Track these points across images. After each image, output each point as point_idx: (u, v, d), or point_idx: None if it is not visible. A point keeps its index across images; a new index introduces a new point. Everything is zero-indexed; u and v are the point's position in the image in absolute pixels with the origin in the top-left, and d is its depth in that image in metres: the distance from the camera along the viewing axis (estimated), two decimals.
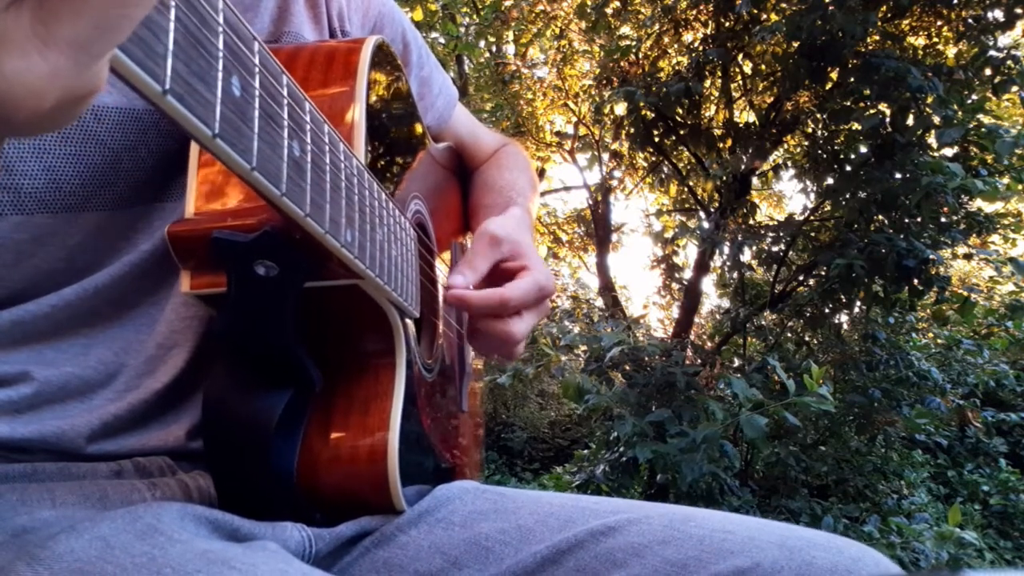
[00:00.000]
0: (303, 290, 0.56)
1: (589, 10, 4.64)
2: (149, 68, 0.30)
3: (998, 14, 3.54)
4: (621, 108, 4.75)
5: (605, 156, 5.96)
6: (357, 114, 0.62)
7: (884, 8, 3.69)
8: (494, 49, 6.38)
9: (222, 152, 0.37)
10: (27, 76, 0.25)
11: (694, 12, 4.33)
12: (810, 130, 4.19)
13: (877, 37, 3.70)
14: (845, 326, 4.48)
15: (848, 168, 3.85)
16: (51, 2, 0.25)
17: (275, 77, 0.43)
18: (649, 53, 4.68)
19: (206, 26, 0.35)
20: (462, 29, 5.77)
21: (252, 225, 0.53)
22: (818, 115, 3.98)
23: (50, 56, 0.25)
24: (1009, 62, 3.48)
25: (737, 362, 4.57)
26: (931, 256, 3.46)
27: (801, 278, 4.36)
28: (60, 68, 0.26)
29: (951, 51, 4.00)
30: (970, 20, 3.67)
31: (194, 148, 0.58)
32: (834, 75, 3.72)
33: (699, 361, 4.27)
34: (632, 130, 4.47)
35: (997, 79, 3.53)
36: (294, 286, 0.55)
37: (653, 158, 5.05)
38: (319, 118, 0.48)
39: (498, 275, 0.82)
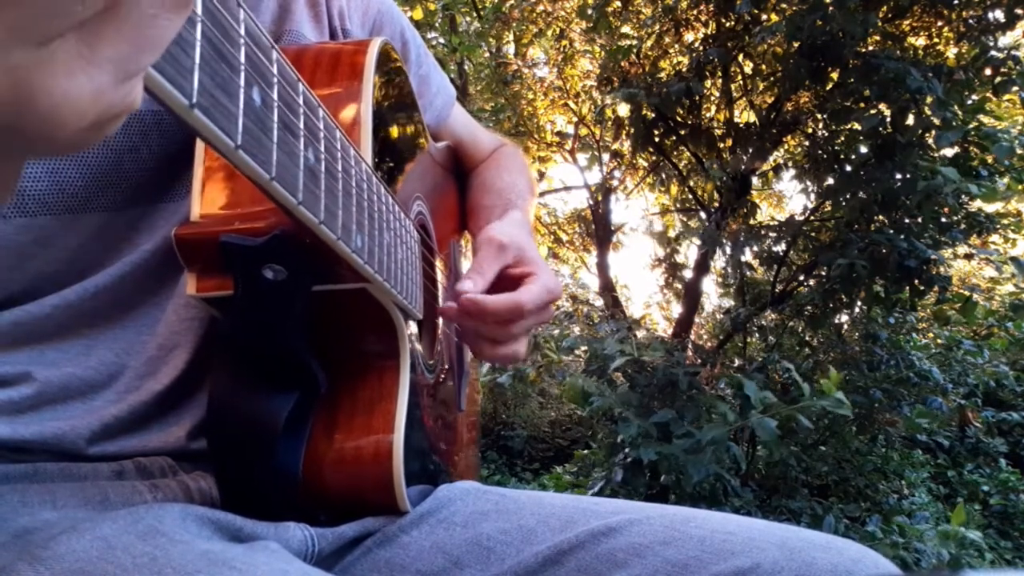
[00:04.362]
0: (310, 293, 0.56)
1: (590, 11, 4.63)
2: (177, 82, 0.31)
3: (999, 14, 3.53)
4: (623, 109, 4.75)
5: (605, 156, 5.95)
6: (364, 116, 0.62)
7: (884, 8, 3.69)
8: (495, 49, 6.37)
9: (243, 163, 0.38)
10: (73, 95, 0.26)
11: (695, 12, 4.33)
12: (810, 130, 4.19)
13: (877, 37, 3.70)
14: (846, 326, 4.47)
15: (848, 168, 3.85)
16: (93, 25, 0.26)
17: (292, 86, 0.43)
18: (650, 53, 4.68)
19: (228, 39, 0.35)
20: (463, 30, 5.76)
21: (260, 229, 0.54)
22: (818, 115, 3.97)
23: (94, 75, 0.27)
24: (1010, 63, 3.48)
25: (738, 362, 4.57)
26: (932, 256, 3.46)
27: (802, 278, 4.36)
28: (103, 87, 0.27)
29: (951, 51, 3.99)
30: (970, 20, 3.67)
31: (199, 151, 0.58)
32: (834, 75, 3.72)
33: (699, 361, 4.27)
34: (633, 130, 4.46)
35: (997, 79, 3.53)
36: (302, 290, 0.55)
37: (653, 158, 5.05)
38: (331, 124, 0.49)
39: (504, 280, 0.82)
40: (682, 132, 4.47)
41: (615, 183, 6.13)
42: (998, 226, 3.90)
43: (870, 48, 3.60)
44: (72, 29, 0.26)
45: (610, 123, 5.25)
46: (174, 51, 0.30)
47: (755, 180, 4.66)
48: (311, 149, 0.45)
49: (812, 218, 4.30)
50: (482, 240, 0.83)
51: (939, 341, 5.13)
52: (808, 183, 4.30)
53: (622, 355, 3.36)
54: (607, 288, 5.91)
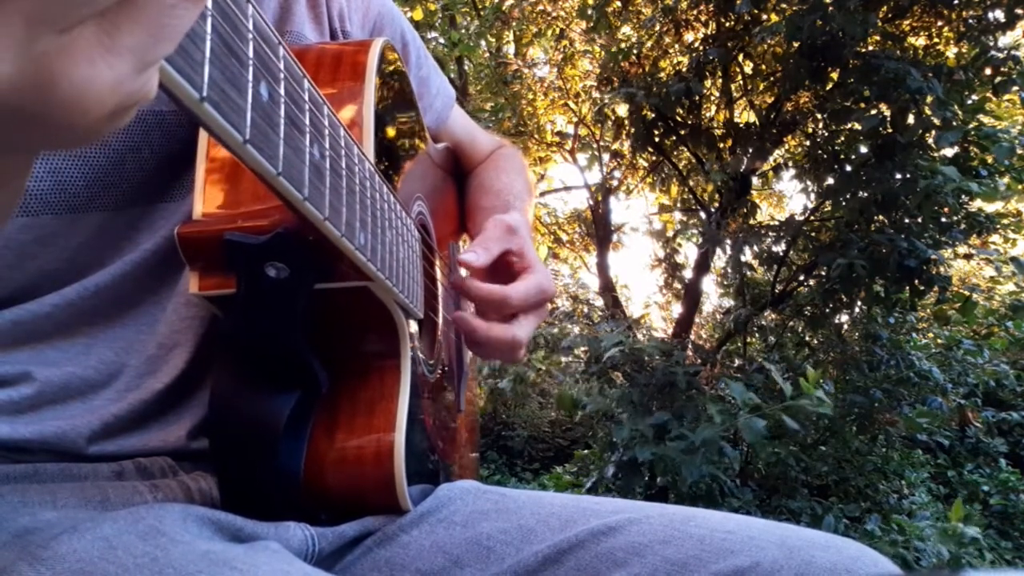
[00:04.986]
0: (312, 292, 0.56)
1: (590, 10, 4.63)
2: (188, 75, 0.31)
3: (999, 14, 3.53)
4: (622, 110, 4.75)
5: (605, 156, 5.95)
6: (366, 116, 0.63)
7: (884, 8, 3.69)
8: (495, 49, 6.37)
9: (250, 158, 0.38)
10: (96, 83, 0.27)
11: (695, 12, 4.33)
12: (810, 130, 4.19)
13: (877, 37, 3.70)
14: (846, 326, 4.48)
15: (848, 168, 3.85)
16: (112, 14, 0.27)
17: (298, 82, 0.43)
18: (650, 53, 4.68)
19: (238, 33, 0.35)
20: (463, 30, 5.76)
21: (263, 227, 0.54)
22: (818, 115, 3.98)
23: (114, 64, 0.27)
24: (1010, 63, 3.48)
25: (738, 362, 4.57)
26: (932, 256, 3.46)
27: (802, 278, 4.36)
28: (122, 76, 0.28)
29: (951, 51, 4.00)
30: (971, 20, 3.67)
31: (201, 149, 0.59)
32: (834, 75, 3.72)
33: (699, 361, 4.27)
34: (633, 130, 4.47)
35: (997, 79, 3.53)
36: (304, 288, 0.55)
37: (653, 158, 5.05)
38: (336, 122, 0.49)
39: (501, 268, 0.82)
40: (682, 132, 4.47)
41: (615, 183, 6.13)
42: (998, 226, 3.90)
43: (870, 48, 3.61)
44: (93, 17, 0.26)
45: (610, 123, 5.25)
46: (186, 44, 0.30)
47: (755, 180, 4.66)
48: (316, 145, 0.45)
49: (812, 218, 4.30)
50: (491, 221, 0.83)
51: (939, 341, 5.13)
52: (808, 183, 4.30)
53: (618, 345, 3.36)
54: (607, 288, 5.90)
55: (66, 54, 0.26)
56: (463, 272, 0.83)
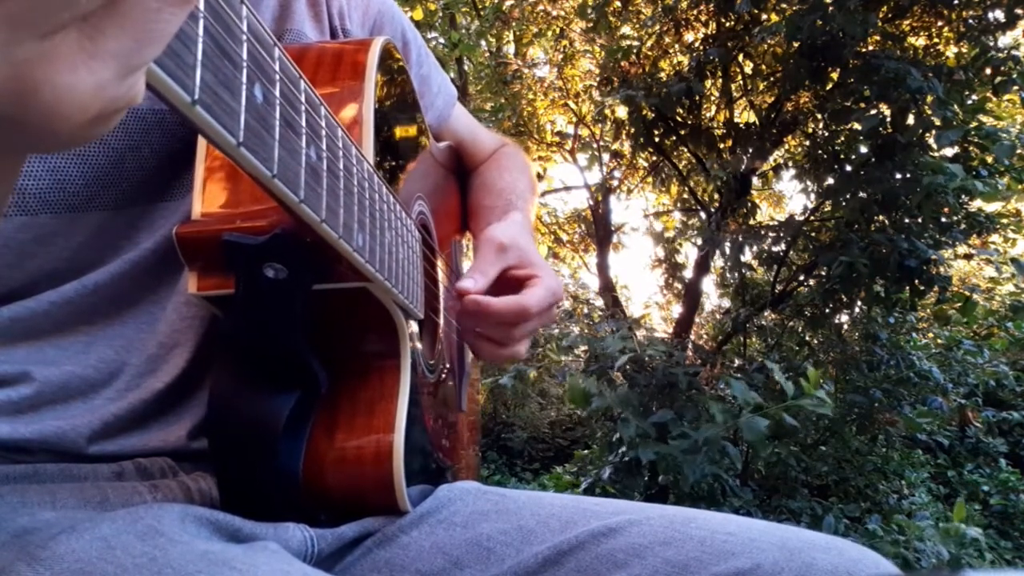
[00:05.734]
0: (311, 292, 0.56)
1: (590, 10, 4.63)
2: (179, 78, 0.31)
3: (999, 14, 3.54)
4: (622, 110, 4.75)
5: (605, 156, 5.95)
6: (366, 115, 0.62)
7: (884, 8, 3.69)
8: (495, 49, 6.38)
9: (245, 160, 0.37)
10: (78, 89, 0.26)
11: (695, 12, 4.33)
12: (810, 130, 4.19)
13: (877, 37, 3.70)
14: (846, 326, 4.48)
15: (848, 168, 3.85)
16: (96, 19, 0.26)
17: (294, 83, 0.43)
18: (650, 53, 4.68)
19: (231, 35, 0.35)
20: (463, 30, 5.76)
21: (262, 227, 0.54)
22: (818, 115, 3.98)
23: (96, 69, 0.27)
24: (1010, 63, 3.48)
25: (738, 362, 4.57)
26: (932, 256, 3.46)
27: (802, 278, 4.36)
28: (105, 81, 0.27)
29: (951, 51, 4.00)
30: (970, 20, 3.67)
31: (200, 149, 0.58)
32: (834, 75, 3.72)
33: (699, 361, 4.27)
34: (633, 130, 4.47)
35: (997, 80, 3.53)
36: (303, 289, 0.55)
37: (654, 158, 5.06)
38: (333, 122, 0.49)
39: (505, 282, 0.82)
40: (682, 132, 4.47)
41: (615, 183, 6.13)
42: (998, 226, 3.91)
43: (870, 48, 3.61)
44: (75, 22, 0.26)
45: (610, 123, 5.25)
46: (176, 47, 0.30)
47: (755, 180, 4.66)
48: (313, 147, 0.45)
49: (812, 218, 4.30)
50: (483, 240, 0.84)
51: (939, 341, 5.13)
52: (808, 183, 4.30)
53: (623, 353, 3.37)
54: (607, 288, 5.91)
55: (47, 60, 0.25)
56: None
